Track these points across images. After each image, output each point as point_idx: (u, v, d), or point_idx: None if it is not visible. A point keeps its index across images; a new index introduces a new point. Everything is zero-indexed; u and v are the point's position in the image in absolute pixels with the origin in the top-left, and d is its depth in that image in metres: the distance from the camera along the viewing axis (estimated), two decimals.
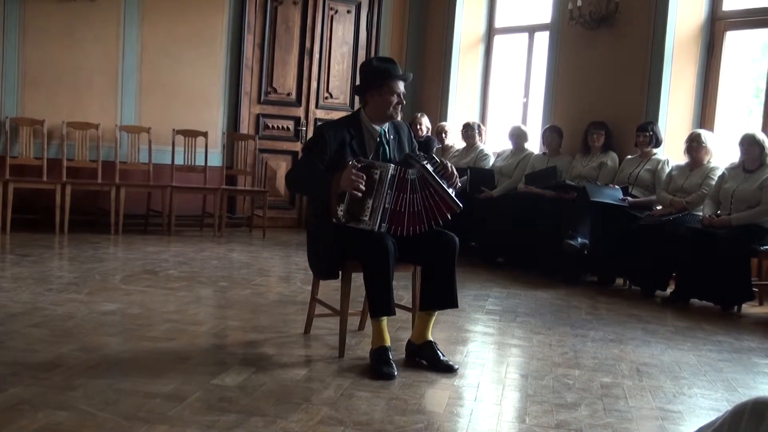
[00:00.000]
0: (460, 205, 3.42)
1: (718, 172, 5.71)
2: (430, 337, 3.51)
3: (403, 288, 4.74)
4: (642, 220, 5.80)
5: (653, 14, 6.61)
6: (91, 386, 2.87)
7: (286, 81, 8.41)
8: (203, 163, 7.80)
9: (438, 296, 3.49)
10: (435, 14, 8.74)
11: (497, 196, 6.90)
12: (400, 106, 3.54)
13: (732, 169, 5.64)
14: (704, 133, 5.91)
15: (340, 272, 3.55)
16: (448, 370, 3.38)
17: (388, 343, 3.39)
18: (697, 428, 1.60)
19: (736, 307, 5.32)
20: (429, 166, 3.38)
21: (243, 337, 3.83)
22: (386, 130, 3.60)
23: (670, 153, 6.38)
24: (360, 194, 3.29)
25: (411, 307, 3.79)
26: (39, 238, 6.58)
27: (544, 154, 7.04)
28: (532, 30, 8.10)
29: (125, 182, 7.34)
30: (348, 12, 8.59)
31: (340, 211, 3.33)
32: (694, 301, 5.48)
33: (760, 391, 3.48)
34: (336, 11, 8.53)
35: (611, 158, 6.54)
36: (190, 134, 7.74)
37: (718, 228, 5.31)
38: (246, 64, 8.12)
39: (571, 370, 3.54)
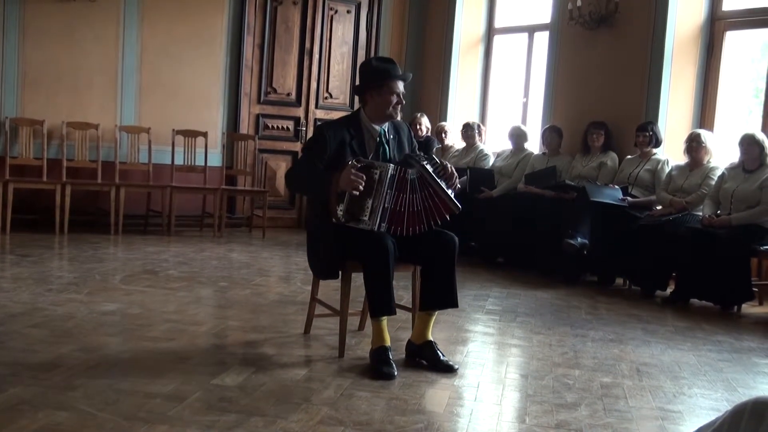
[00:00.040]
0: (459, 206, 3.42)
1: (718, 172, 5.71)
2: (430, 337, 3.51)
3: (403, 288, 4.74)
4: (642, 220, 5.80)
5: (653, 14, 6.62)
6: (91, 386, 2.87)
7: (286, 81, 8.41)
8: (203, 164, 7.80)
9: (438, 296, 3.50)
10: (435, 14, 8.74)
11: (497, 196, 6.90)
12: (399, 105, 3.55)
13: (732, 169, 5.64)
14: (704, 133, 5.91)
15: (340, 272, 3.55)
16: (448, 370, 3.38)
17: (388, 343, 3.39)
18: (697, 428, 1.60)
19: (736, 307, 5.32)
20: (428, 167, 3.38)
21: (243, 337, 3.83)
22: (386, 130, 3.61)
23: (670, 153, 6.38)
24: (359, 194, 3.29)
25: (411, 307, 3.79)
26: (39, 238, 6.58)
27: (543, 154, 7.04)
28: (531, 30, 8.11)
29: (125, 182, 7.34)
30: (348, 12, 8.59)
31: (340, 210, 3.33)
32: (694, 301, 5.48)
33: (760, 391, 3.48)
34: (336, 11, 8.53)
35: (611, 158, 6.55)
36: (190, 134, 7.74)
37: (717, 228, 5.31)
38: (246, 64, 8.12)
39: (571, 370, 3.54)
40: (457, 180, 3.49)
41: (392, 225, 3.37)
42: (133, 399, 2.76)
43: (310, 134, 7.98)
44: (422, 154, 3.59)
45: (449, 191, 3.40)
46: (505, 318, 4.65)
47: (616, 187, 6.11)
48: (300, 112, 8.51)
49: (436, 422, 2.76)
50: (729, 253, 5.17)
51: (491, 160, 7.42)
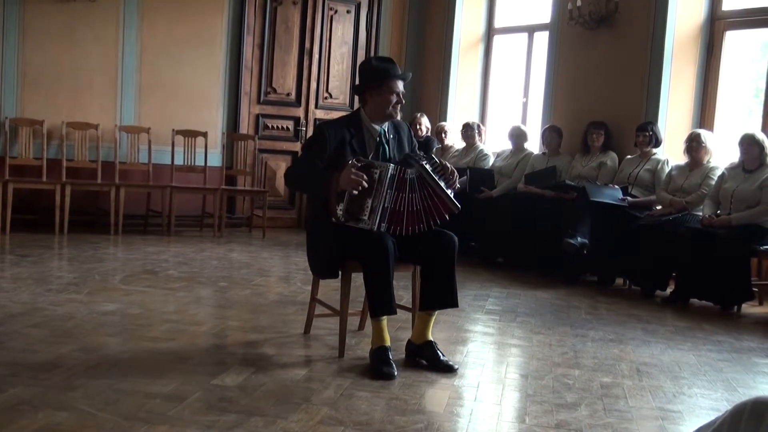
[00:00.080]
0: (459, 205, 3.42)
1: (718, 172, 5.72)
2: (430, 337, 3.51)
3: (403, 288, 4.74)
4: (642, 220, 5.80)
5: (653, 14, 6.62)
6: (91, 386, 2.87)
7: (286, 81, 8.41)
8: (203, 164, 7.80)
9: (438, 296, 3.50)
10: (434, 14, 8.74)
11: (497, 196, 6.90)
12: (399, 105, 3.55)
13: (732, 169, 5.64)
14: (704, 133, 5.92)
15: (340, 272, 3.55)
16: (448, 370, 3.38)
17: (388, 343, 3.39)
18: (696, 428, 1.60)
19: (736, 307, 5.32)
20: (428, 166, 3.38)
21: (243, 337, 3.83)
22: (386, 130, 3.61)
23: (670, 153, 6.38)
24: (359, 193, 3.29)
25: (411, 307, 3.79)
26: (39, 238, 6.58)
27: (543, 154, 7.04)
28: (531, 30, 8.11)
29: (125, 182, 7.34)
30: (347, 12, 8.59)
31: (340, 210, 3.33)
32: (694, 301, 5.48)
33: (760, 391, 3.48)
34: (335, 11, 8.53)
35: (611, 158, 6.55)
36: (190, 134, 7.74)
37: (717, 228, 5.31)
38: (245, 64, 8.12)
39: (571, 370, 3.54)
40: (457, 180, 3.49)
41: (392, 225, 3.37)
42: (133, 399, 2.76)
43: (309, 134, 7.97)
44: (422, 153, 3.59)
45: (449, 191, 3.40)
46: (505, 318, 4.65)
47: (616, 187, 6.11)
48: (300, 112, 8.51)
49: (436, 422, 2.76)
50: (729, 253, 5.17)
51: (491, 160, 7.42)
